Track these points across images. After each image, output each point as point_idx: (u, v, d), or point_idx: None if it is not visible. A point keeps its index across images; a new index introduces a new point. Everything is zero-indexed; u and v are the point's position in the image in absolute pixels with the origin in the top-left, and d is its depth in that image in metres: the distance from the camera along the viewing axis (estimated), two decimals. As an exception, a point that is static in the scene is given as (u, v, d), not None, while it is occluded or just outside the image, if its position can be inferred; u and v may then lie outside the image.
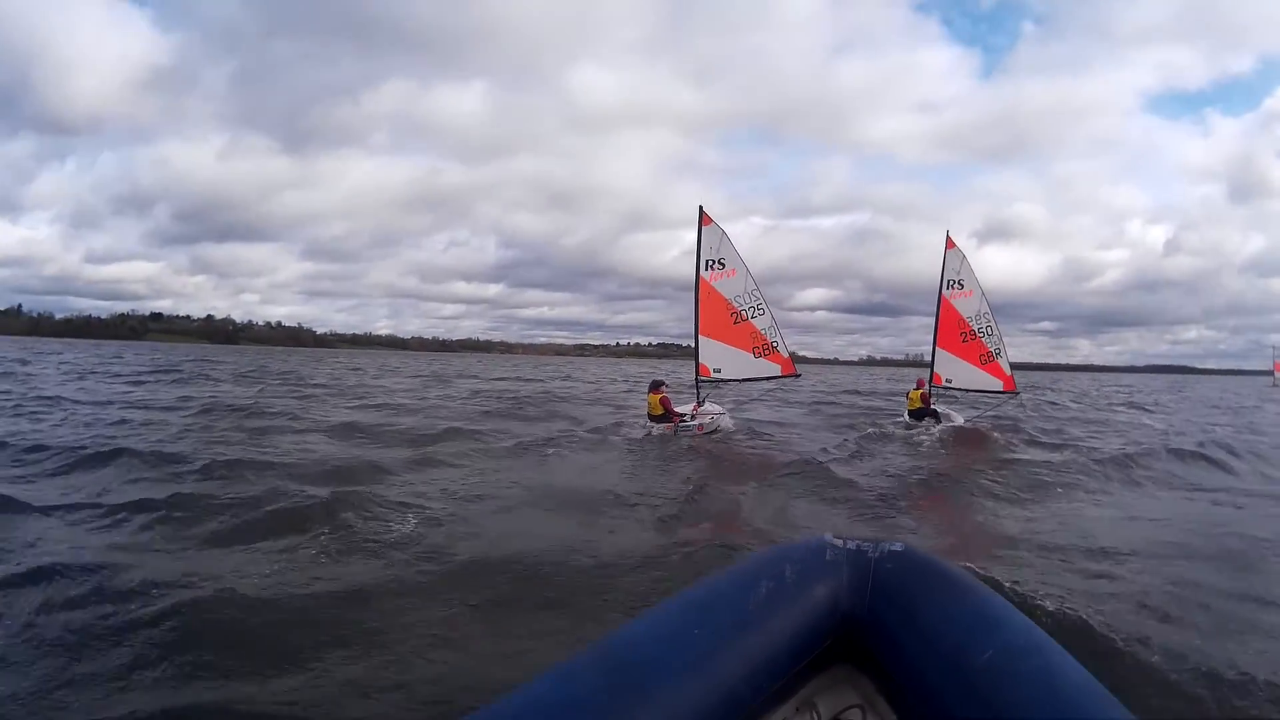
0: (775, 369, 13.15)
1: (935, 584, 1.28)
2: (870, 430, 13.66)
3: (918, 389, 14.58)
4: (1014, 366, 14.95)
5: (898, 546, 1.36)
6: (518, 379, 34.52)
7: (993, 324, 14.67)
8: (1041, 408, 20.65)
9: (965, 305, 14.80)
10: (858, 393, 28.08)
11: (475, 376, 36.18)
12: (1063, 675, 1.10)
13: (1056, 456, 10.53)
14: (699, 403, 12.87)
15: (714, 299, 12.96)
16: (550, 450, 10.05)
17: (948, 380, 15.12)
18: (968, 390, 15.25)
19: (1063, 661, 1.14)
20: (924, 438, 12.68)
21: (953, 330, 14.95)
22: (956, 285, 14.84)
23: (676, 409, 12.11)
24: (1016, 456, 10.63)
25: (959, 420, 14.19)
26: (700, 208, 13.12)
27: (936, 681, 1.16)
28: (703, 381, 13.04)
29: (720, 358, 12.98)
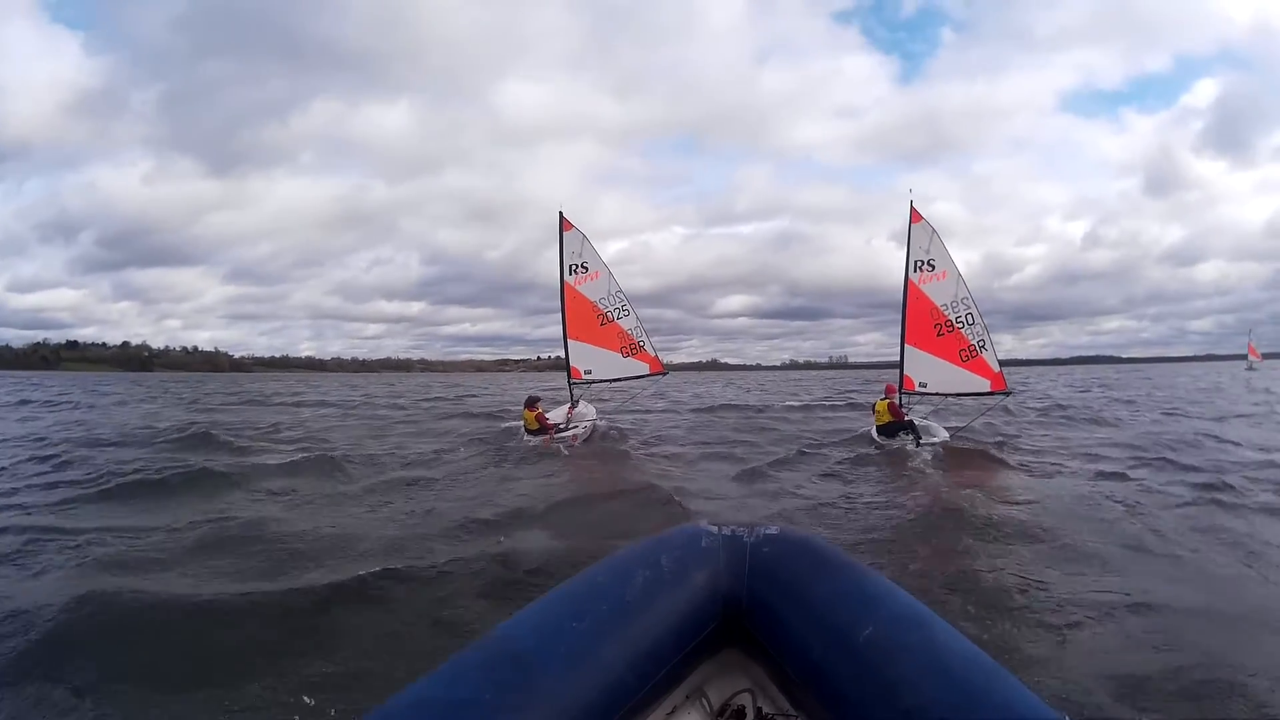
0: (644, 367, 13.24)
1: (813, 564, 1.26)
2: (824, 449, 10.65)
3: (885, 398, 11.58)
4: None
5: (773, 530, 1.33)
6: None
7: (974, 311, 11.83)
8: (1024, 412, 18.00)
9: (938, 290, 11.93)
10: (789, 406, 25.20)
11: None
12: (947, 646, 1.09)
13: (1095, 484, 7.65)
14: (573, 405, 12.99)
15: (579, 302, 13.09)
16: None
17: (921, 384, 12.21)
18: (947, 395, 12.40)
19: (946, 633, 1.12)
20: (912, 459, 9.74)
21: (924, 322, 12.07)
22: (926, 267, 11.99)
23: (549, 416, 12.38)
24: (1044, 485, 7.72)
25: (943, 435, 11.22)
26: (560, 213, 13.09)
27: (821, 660, 1.14)
28: (574, 384, 13.20)
29: (590, 359, 13.13)
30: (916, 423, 11.36)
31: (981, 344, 11.87)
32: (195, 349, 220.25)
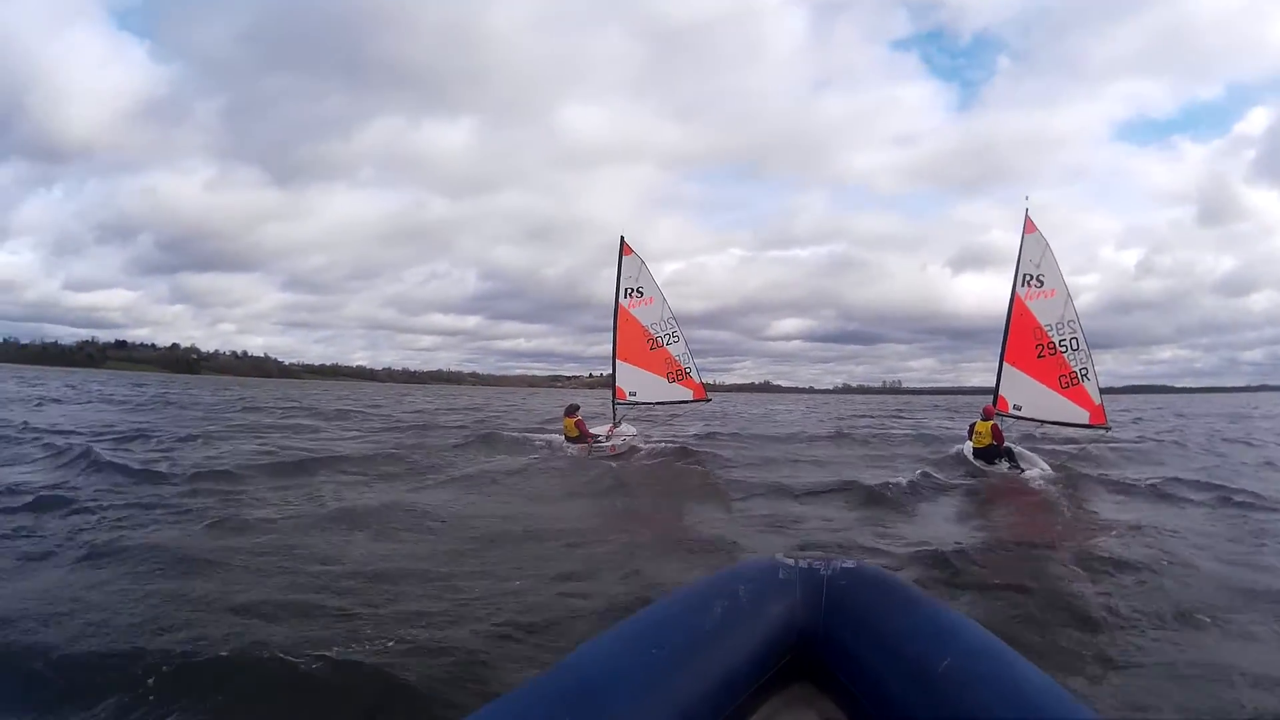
0: (687, 394, 13.36)
1: (889, 598, 1.26)
2: (912, 477, 9.96)
3: (986, 419, 10.90)
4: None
5: (850, 563, 1.32)
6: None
7: (1080, 335, 11.10)
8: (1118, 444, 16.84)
9: (1045, 309, 11.23)
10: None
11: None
12: (1024, 678, 1.07)
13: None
14: (615, 424, 13.31)
15: (631, 326, 13.32)
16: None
17: (1016, 406, 11.55)
18: (1040, 421, 11.69)
19: (1022, 665, 1.11)
20: (1022, 490, 9.06)
21: (1026, 341, 11.39)
22: (1034, 282, 11.30)
23: (591, 430, 12.49)
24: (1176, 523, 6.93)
25: (1042, 465, 10.44)
26: (621, 238, 13.42)
27: (895, 692, 1.13)
28: (618, 404, 13.50)
29: (636, 382, 13.31)
30: (1014, 449, 10.69)
31: (1084, 372, 11.12)
32: (245, 354, 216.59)
